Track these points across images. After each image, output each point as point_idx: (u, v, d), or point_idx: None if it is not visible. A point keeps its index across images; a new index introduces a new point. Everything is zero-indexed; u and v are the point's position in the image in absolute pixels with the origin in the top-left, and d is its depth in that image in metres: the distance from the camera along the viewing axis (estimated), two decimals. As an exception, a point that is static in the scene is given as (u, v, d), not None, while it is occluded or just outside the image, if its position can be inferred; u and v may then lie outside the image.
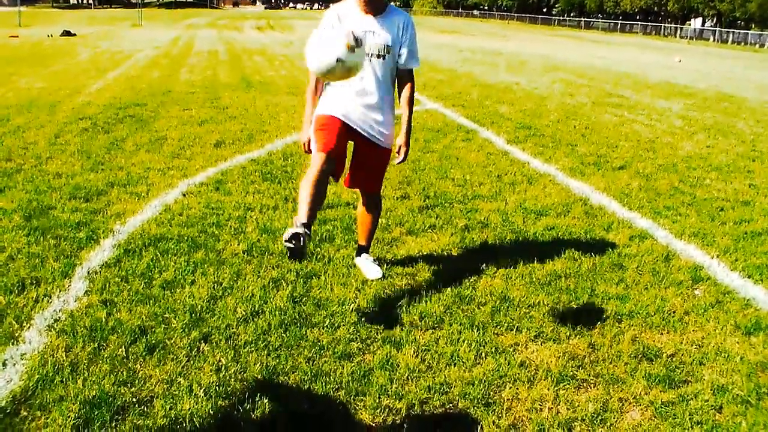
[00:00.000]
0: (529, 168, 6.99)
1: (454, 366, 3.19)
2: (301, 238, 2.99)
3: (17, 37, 27.61)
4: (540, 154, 7.64)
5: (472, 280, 4.17)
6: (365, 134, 3.62)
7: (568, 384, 3.08)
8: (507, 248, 4.77)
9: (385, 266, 4.21)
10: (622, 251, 4.79)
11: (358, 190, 4.06)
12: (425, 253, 4.51)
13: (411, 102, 3.67)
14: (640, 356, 3.35)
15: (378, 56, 3.50)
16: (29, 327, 3.35)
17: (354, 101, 3.56)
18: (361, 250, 4.13)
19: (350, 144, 3.74)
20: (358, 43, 3.02)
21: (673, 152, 8.20)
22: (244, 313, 3.59)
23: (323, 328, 3.49)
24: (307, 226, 3.11)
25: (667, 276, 4.36)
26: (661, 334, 3.63)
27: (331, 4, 3.93)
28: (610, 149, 8.13)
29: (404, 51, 3.57)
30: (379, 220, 4.27)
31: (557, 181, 6.52)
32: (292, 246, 2.97)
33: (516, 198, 5.93)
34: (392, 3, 3.17)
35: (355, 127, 3.59)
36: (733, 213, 5.87)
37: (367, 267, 4.08)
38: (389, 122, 3.68)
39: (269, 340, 3.33)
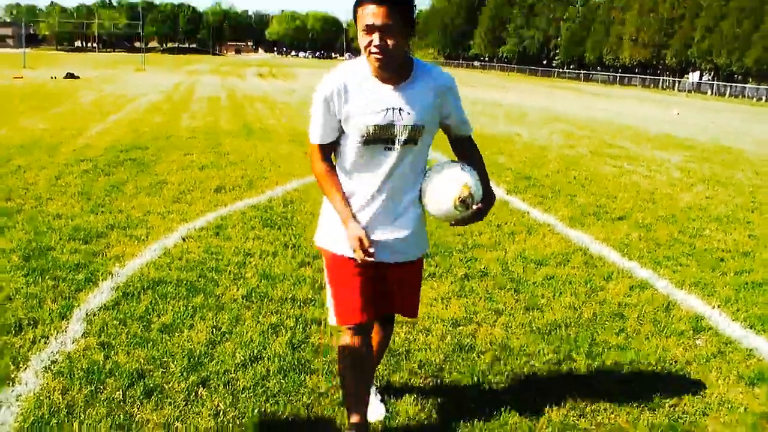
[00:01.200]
0: (529, 218, 7.01)
1: (454, 415, 3.14)
2: None
3: (22, 78, 27.88)
4: (540, 204, 7.68)
5: (471, 328, 4.16)
6: (394, 261, 2.69)
7: (570, 434, 2.92)
8: (507, 297, 4.76)
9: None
10: (622, 301, 4.77)
11: None
12: (425, 301, 4.45)
13: (481, 162, 2.75)
14: (642, 406, 3.31)
15: (406, 142, 2.52)
16: (26, 368, 3.33)
17: (375, 214, 2.62)
18: None
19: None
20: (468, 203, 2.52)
21: (673, 203, 8.24)
22: (242, 358, 3.57)
23: (322, 375, 3.46)
24: (363, 427, 2.72)
25: (668, 326, 4.35)
26: (663, 383, 3.60)
27: (344, 58, 2.93)
28: (609, 200, 8.16)
29: (452, 122, 2.69)
30: None
31: (557, 231, 6.54)
32: None
33: (516, 247, 5.95)
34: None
35: (380, 260, 2.60)
36: (733, 263, 5.87)
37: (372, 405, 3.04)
38: (420, 225, 2.73)
39: (268, 386, 3.31)
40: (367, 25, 2.32)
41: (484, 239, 6.10)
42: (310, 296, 4.50)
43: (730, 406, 3.38)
